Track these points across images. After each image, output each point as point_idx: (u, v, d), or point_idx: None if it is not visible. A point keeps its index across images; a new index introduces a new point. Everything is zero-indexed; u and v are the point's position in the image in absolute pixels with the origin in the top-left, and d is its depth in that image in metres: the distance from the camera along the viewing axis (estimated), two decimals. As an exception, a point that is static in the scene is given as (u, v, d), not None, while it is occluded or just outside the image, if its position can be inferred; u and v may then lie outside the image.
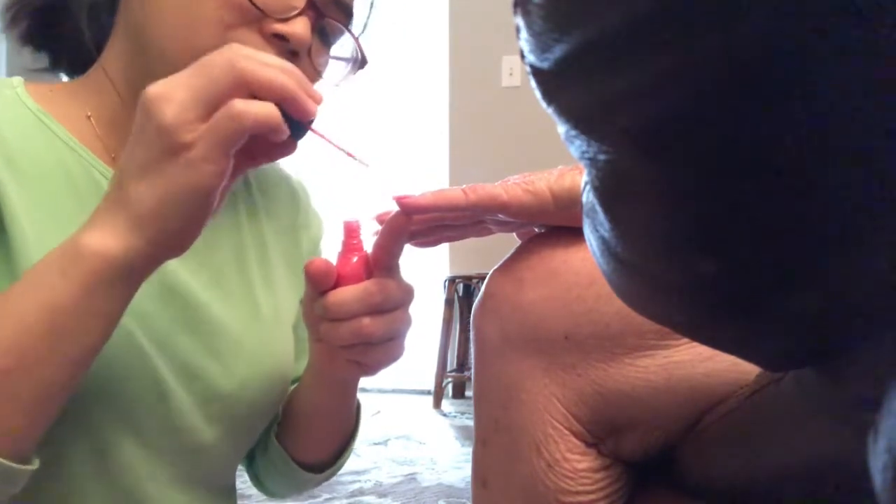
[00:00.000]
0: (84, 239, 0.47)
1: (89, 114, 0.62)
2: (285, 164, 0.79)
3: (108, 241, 0.46)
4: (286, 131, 0.48)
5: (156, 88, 0.46)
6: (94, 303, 0.47)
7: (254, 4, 0.56)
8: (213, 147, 0.45)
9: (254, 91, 0.46)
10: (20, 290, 0.47)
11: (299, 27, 0.57)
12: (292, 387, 0.75)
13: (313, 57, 0.61)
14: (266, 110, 0.46)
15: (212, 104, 0.45)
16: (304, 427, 0.72)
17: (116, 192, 0.47)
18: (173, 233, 0.47)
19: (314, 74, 0.62)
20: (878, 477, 0.19)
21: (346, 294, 0.54)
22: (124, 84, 0.61)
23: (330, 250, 0.59)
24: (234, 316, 0.66)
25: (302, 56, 0.59)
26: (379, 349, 0.57)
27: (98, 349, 0.49)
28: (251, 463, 0.77)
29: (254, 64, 0.46)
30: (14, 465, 0.47)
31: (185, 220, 0.47)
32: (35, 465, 0.49)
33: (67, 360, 0.48)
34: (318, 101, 0.49)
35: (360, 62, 0.66)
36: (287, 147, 0.51)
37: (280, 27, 0.57)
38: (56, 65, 0.67)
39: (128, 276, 0.48)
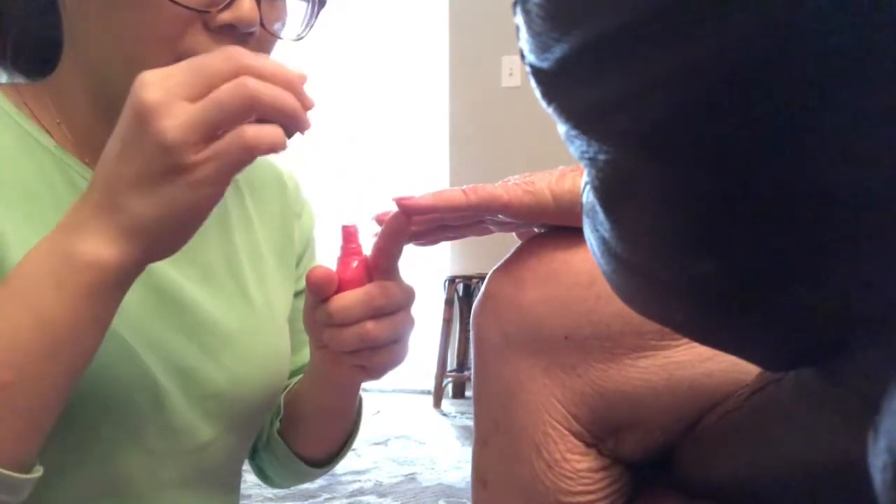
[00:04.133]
0: (77, 248, 0.46)
1: (59, 121, 0.61)
2: (276, 157, 0.77)
3: (101, 250, 0.46)
4: (286, 147, 0.48)
5: (153, 95, 0.44)
6: (90, 312, 0.47)
7: (193, 9, 0.54)
8: (218, 172, 0.45)
9: (260, 114, 0.46)
10: (10, 302, 0.46)
11: (244, 8, 0.55)
12: (292, 379, 0.75)
13: (267, 25, 0.58)
14: (275, 136, 0.46)
15: (218, 127, 0.45)
16: (308, 426, 0.72)
17: (106, 199, 0.46)
18: (166, 243, 0.48)
19: (272, 41, 0.60)
20: (878, 477, 0.19)
21: (348, 299, 0.54)
22: (86, 95, 0.60)
23: (326, 253, 0.58)
24: (226, 312, 0.65)
25: (256, 31, 0.57)
26: (383, 352, 0.56)
27: (93, 355, 0.49)
28: (254, 455, 0.78)
29: (263, 87, 0.46)
30: (17, 474, 0.47)
31: (179, 233, 0.48)
32: (38, 472, 0.49)
33: (65, 368, 0.47)
34: (309, 108, 0.49)
35: (319, 2, 0.63)
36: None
37: (226, 16, 0.54)
38: (13, 65, 0.64)
39: (121, 283, 0.48)
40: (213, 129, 0.45)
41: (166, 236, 0.47)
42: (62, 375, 0.47)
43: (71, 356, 0.47)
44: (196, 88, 0.45)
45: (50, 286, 0.46)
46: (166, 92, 0.45)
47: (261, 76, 0.46)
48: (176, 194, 0.45)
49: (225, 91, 0.45)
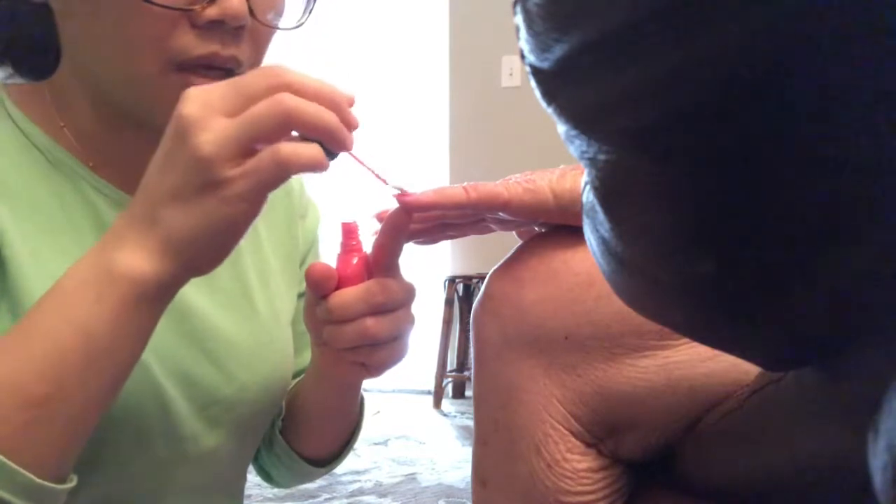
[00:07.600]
0: (116, 261, 0.46)
1: (62, 124, 0.61)
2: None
3: (141, 264, 0.46)
4: (328, 167, 0.47)
5: (192, 110, 0.45)
6: (128, 325, 0.47)
7: (175, 9, 0.53)
8: (253, 188, 0.45)
9: (297, 130, 0.46)
10: (50, 314, 0.46)
11: (230, 1, 0.53)
12: (294, 380, 0.75)
13: (259, 16, 0.56)
14: (312, 154, 0.45)
15: (254, 142, 0.45)
16: (309, 426, 0.72)
17: (145, 212, 0.47)
18: (204, 259, 0.48)
19: (267, 32, 0.58)
20: (878, 477, 0.19)
21: (348, 295, 0.54)
22: (85, 98, 0.60)
23: (328, 252, 0.58)
24: (230, 320, 0.65)
25: (246, 23, 0.56)
26: (383, 350, 0.56)
27: (131, 369, 0.49)
28: (257, 456, 0.78)
29: (301, 104, 0.45)
30: (55, 485, 0.47)
31: (216, 248, 0.48)
32: (73, 482, 0.49)
33: (103, 382, 0.47)
34: (354, 127, 0.48)
35: None
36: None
37: (212, 13, 0.53)
38: (15, 67, 0.64)
39: (160, 297, 0.48)
40: (248, 145, 0.45)
41: (204, 251, 0.47)
42: (101, 388, 0.47)
43: (110, 369, 0.47)
44: (235, 104, 0.45)
45: (90, 298, 0.46)
46: (205, 106, 0.45)
47: (301, 93, 0.45)
48: (211, 209, 0.45)
49: (261, 107, 0.45)
